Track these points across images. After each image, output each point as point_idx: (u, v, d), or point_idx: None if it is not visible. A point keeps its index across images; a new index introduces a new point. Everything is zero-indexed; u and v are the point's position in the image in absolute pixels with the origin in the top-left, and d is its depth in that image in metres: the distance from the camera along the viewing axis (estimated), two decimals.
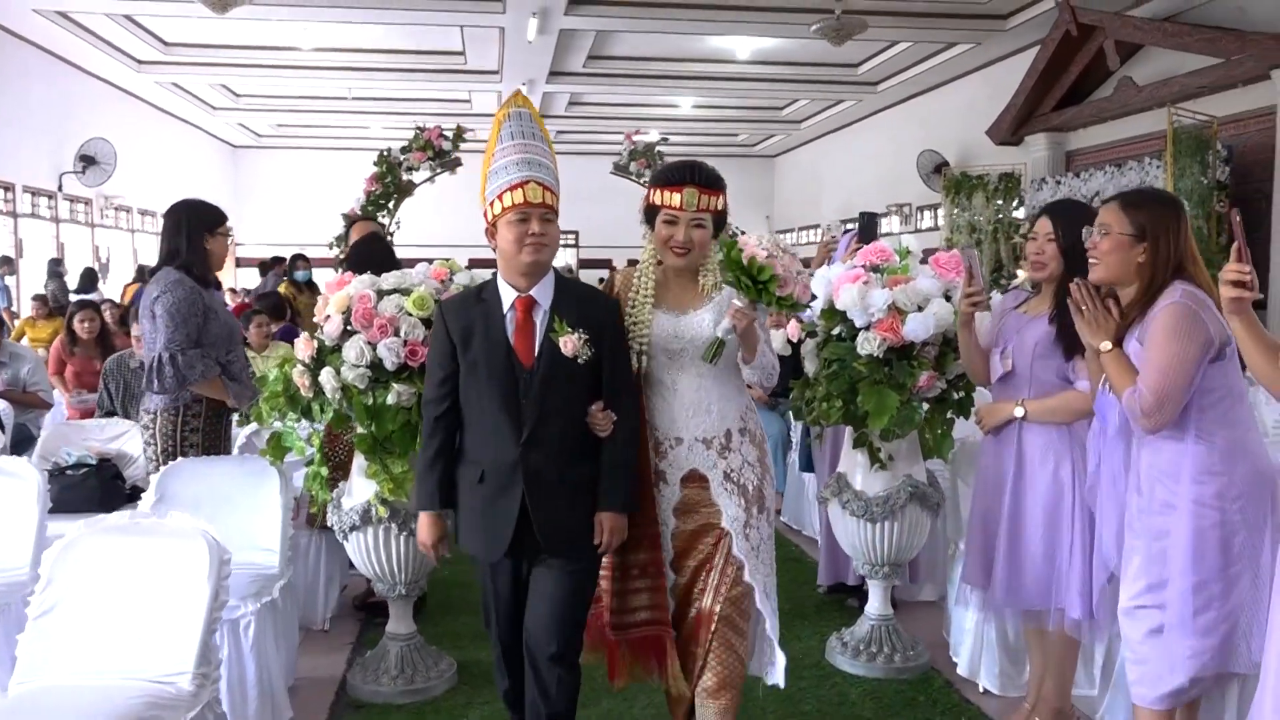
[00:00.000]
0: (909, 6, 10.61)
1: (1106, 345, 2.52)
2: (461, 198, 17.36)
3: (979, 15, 10.94)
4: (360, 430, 3.26)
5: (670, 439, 2.79)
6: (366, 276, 3.36)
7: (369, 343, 3.20)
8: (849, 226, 3.25)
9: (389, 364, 3.19)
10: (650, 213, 2.79)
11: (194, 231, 3.69)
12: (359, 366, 3.18)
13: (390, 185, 9.45)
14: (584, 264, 21.13)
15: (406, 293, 3.28)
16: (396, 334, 3.20)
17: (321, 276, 8.85)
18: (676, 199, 2.71)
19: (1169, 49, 9.11)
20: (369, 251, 4.35)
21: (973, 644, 3.66)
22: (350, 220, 9.15)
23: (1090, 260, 2.58)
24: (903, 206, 15.24)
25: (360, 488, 3.42)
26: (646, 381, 2.80)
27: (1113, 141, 10.27)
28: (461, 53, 13.21)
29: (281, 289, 9.20)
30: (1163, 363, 2.37)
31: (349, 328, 3.25)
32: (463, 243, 11.43)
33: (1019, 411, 3.00)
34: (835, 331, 3.53)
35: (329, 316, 3.28)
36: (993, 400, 3.14)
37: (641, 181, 10.11)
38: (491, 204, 2.63)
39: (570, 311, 2.63)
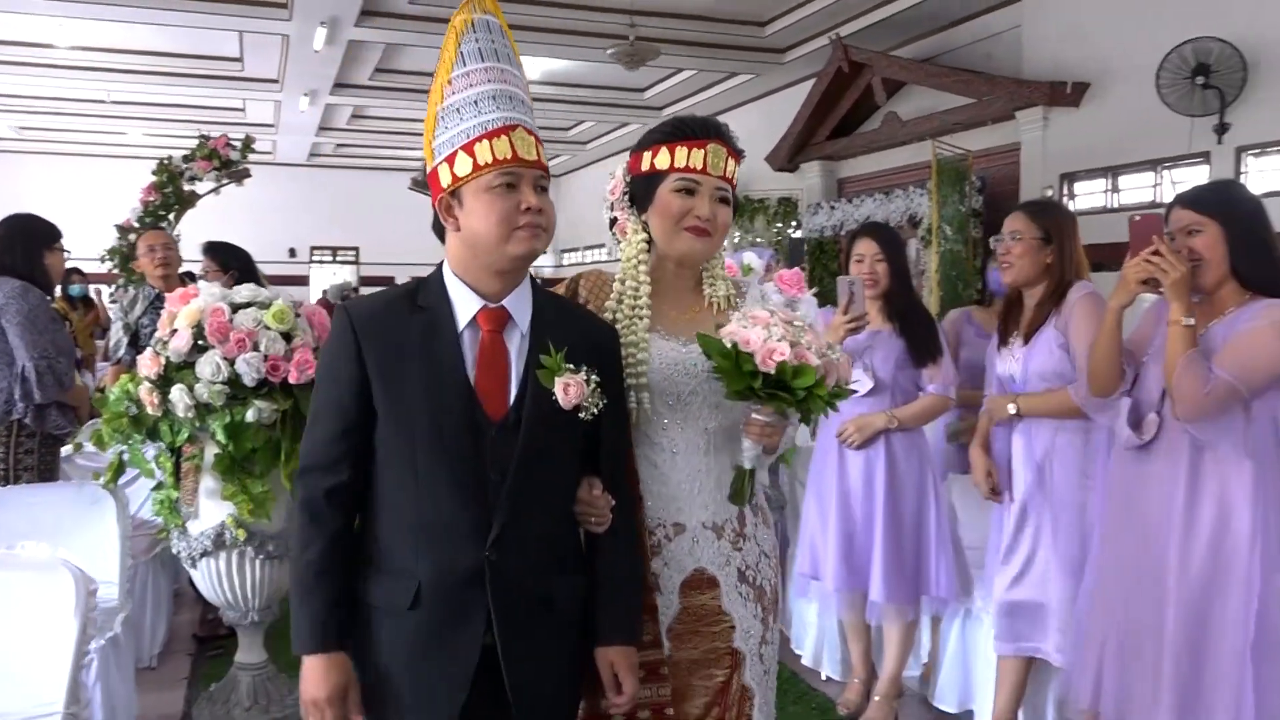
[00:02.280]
0: (696, 36, 11.11)
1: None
2: (254, 209, 16.59)
3: (760, 48, 11.61)
4: (215, 450, 3.11)
5: (666, 526, 1.92)
6: (217, 288, 3.22)
7: (225, 358, 3.06)
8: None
9: (248, 380, 3.07)
10: (645, 184, 1.95)
11: (31, 247, 3.44)
12: (215, 383, 3.05)
13: (171, 196, 8.88)
14: (365, 281, 20.54)
15: (265, 306, 3.17)
16: (256, 349, 3.09)
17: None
18: (699, 158, 1.91)
19: (930, 88, 10.03)
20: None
21: (815, 635, 3.92)
22: (126, 232, 8.54)
23: (1003, 264, 2.88)
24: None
25: (210, 511, 3.26)
26: (634, 444, 1.93)
27: (881, 170, 11.17)
28: (239, 59, 12.61)
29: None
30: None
31: (200, 342, 3.10)
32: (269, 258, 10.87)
33: (893, 423, 3.31)
34: None
35: (176, 331, 3.12)
36: (855, 413, 3.40)
37: None
38: (450, 160, 1.68)
39: (558, 337, 1.72)
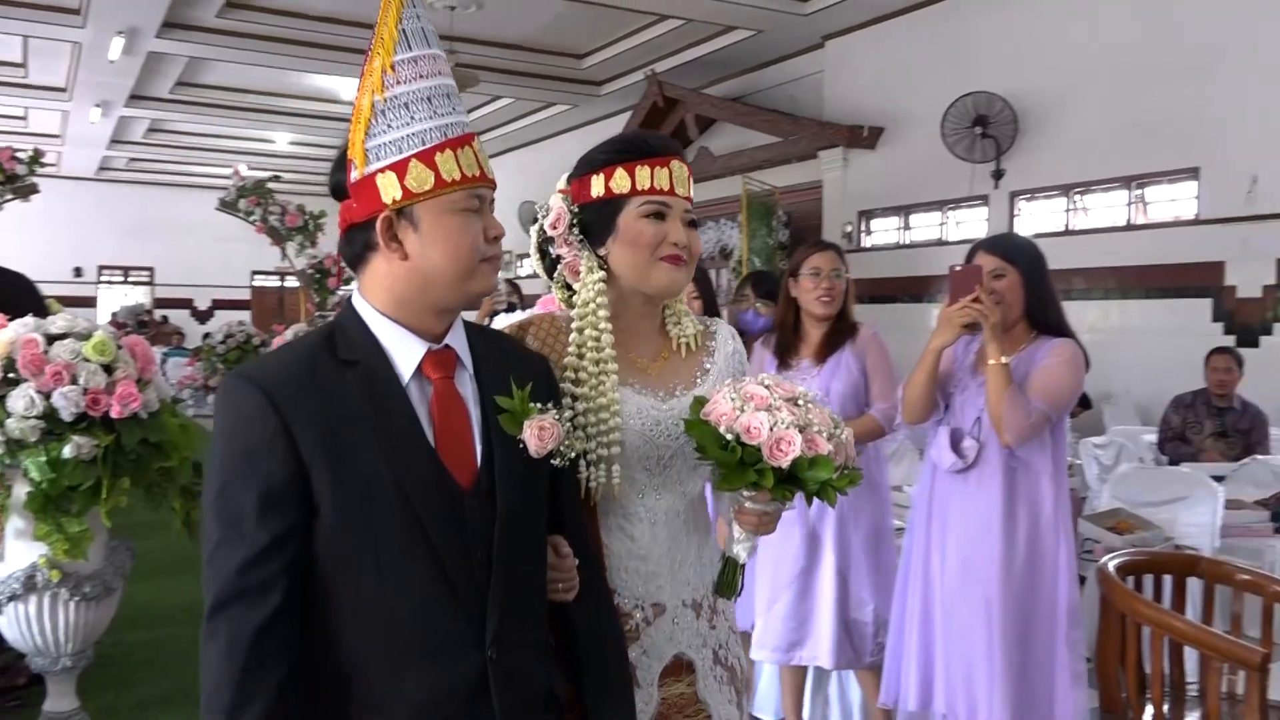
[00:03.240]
0: (516, 65, 11.24)
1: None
2: (35, 225, 15.36)
3: (577, 80, 11.85)
4: (28, 488, 2.95)
5: (645, 607, 1.64)
6: (30, 319, 3.06)
7: (40, 391, 2.92)
8: None
9: (65, 415, 2.93)
10: (601, 212, 1.63)
11: None
12: (29, 418, 2.90)
13: None
14: (161, 303, 19.42)
15: (84, 337, 3.04)
16: (74, 382, 2.96)
17: None
18: (664, 178, 1.64)
19: (740, 125, 10.54)
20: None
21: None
22: None
23: (824, 298, 3.06)
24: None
25: (19, 552, 3.07)
26: (603, 513, 1.64)
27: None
28: (22, 64, 11.78)
29: None
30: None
31: (10, 375, 2.95)
32: (52, 278, 10.15)
33: None
34: None
35: None
36: None
37: (253, 219, 9.68)
38: (399, 169, 1.30)
39: (505, 372, 1.40)
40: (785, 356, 3.28)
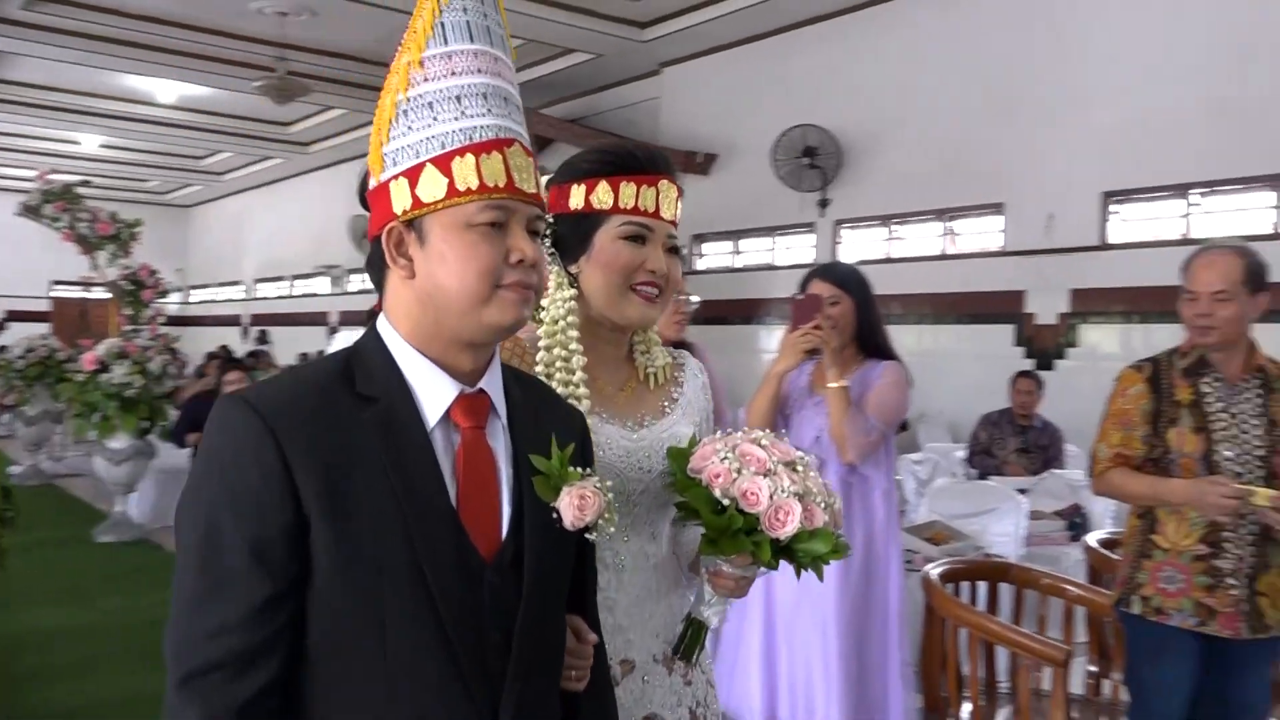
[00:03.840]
0: (348, 76, 10.98)
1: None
2: None
3: None
4: None
5: (614, 664, 1.46)
6: None
7: None
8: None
9: None
10: (576, 226, 1.50)
11: None
12: None
13: None
14: None
15: None
16: None
17: None
18: (650, 198, 1.48)
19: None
20: None
21: None
22: None
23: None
24: (332, 269, 15.43)
25: None
26: None
27: None
28: None
29: None
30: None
31: None
32: None
33: None
34: None
35: None
36: None
37: (59, 226, 9.03)
38: (412, 175, 1.12)
39: (542, 425, 1.22)
40: None
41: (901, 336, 3.02)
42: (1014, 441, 5.83)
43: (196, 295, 20.74)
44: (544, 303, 1.51)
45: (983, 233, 7.88)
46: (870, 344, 2.86)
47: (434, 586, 1.07)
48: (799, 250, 9.17)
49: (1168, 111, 6.44)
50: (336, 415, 1.08)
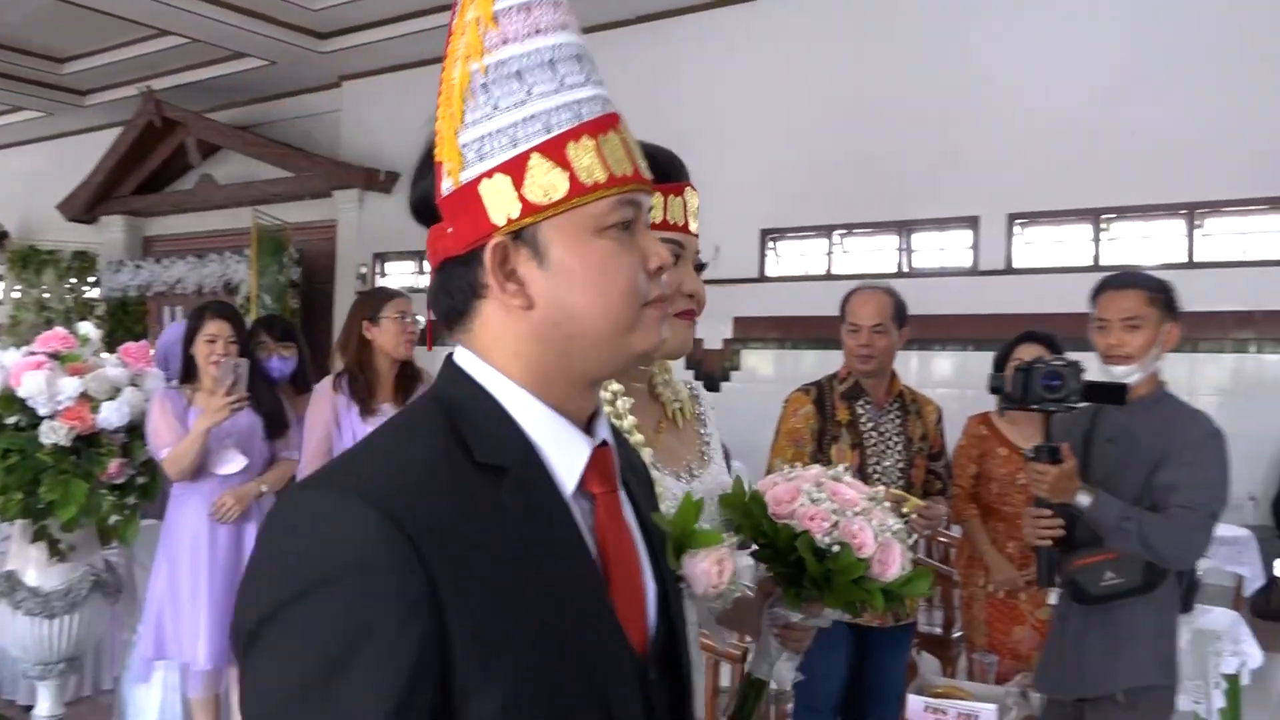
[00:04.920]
0: None
1: None
2: None
3: (55, 86, 10.55)
4: None
5: None
6: None
7: None
8: None
9: None
10: None
11: None
12: None
13: None
14: None
15: None
16: None
17: None
18: (679, 210, 1.29)
19: (249, 156, 10.09)
20: None
21: (159, 719, 3.75)
22: None
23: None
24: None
25: None
26: None
27: (194, 232, 10.85)
28: None
29: None
30: None
31: None
32: None
33: (266, 488, 3.41)
34: (13, 421, 3.34)
35: None
36: (225, 488, 3.39)
37: None
38: (515, 169, 0.84)
39: (633, 477, 1.00)
40: (367, 402, 3.28)
41: None
42: None
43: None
44: None
45: None
46: None
47: (613, 706, 0.82)
48: None
49: (815, 160, 7.20)
50: (468, 499, 0.79)
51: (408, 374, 3.37)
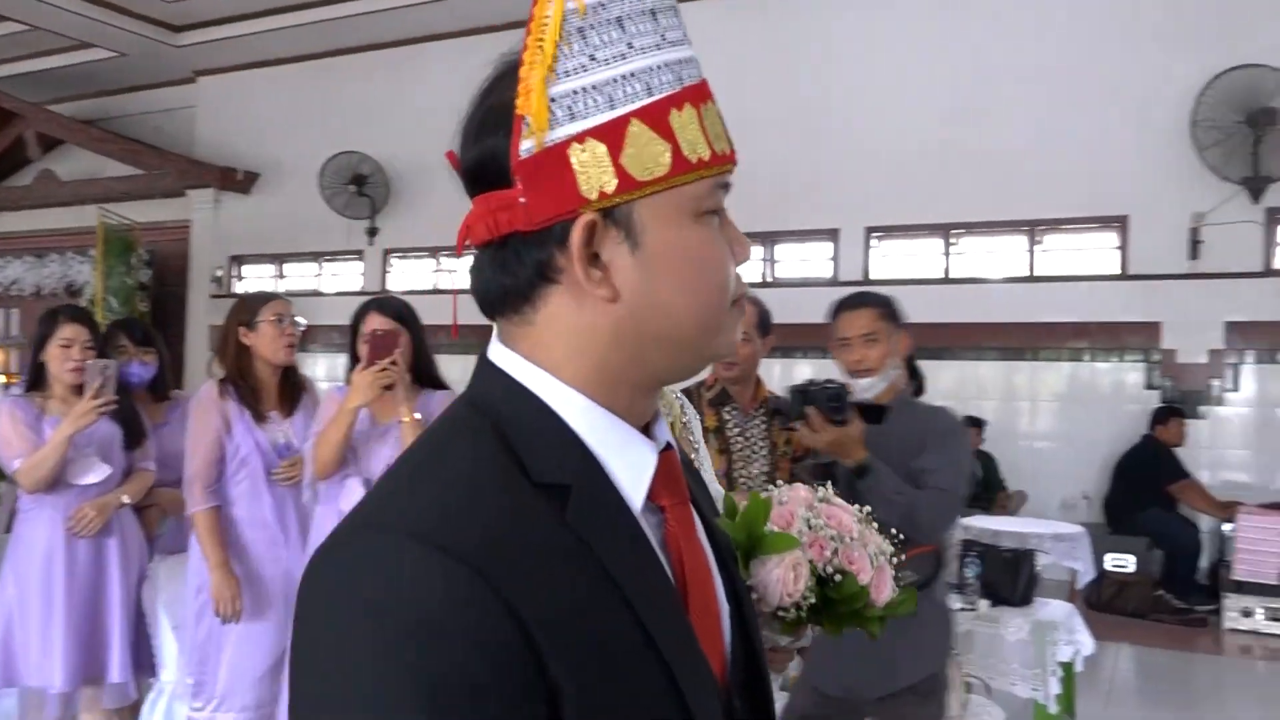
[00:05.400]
0: None
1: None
2: None
3: None
4: None
5: None
6: None
7: None
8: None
9: None
10: None
11: None
12: None
13: None
14: None
15: None
16: None
17: None
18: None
19: (95, 151, 9.59)
20: None
21: None
22: None
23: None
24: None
25: None
26: None
27: (33, 231, 10.23)
28: None
29: None
30: None
31: None
32: None
33: (127, 499, 3.25)
34: None
35: None
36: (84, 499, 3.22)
37: None
38: (611, 135, 0.70)
39: (694, 480, 0.89)
40: (258, 408, 3.17)
41: (449, 366, 3.22)
42: None
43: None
44: None
45: None
46: (426, 375, 2.99)
47: None
48: (347, 277, 9.05)
49: None
50: (542, 533, 0.68)
51: (291, 381, 3.27)
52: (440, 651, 0.60)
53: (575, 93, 0.69)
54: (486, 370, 0.77)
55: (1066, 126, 6.30)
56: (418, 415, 2.81)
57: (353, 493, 2.85)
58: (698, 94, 0.73)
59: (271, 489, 3.15)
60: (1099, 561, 5.67)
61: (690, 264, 0.73)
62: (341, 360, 3.08)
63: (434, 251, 8.64)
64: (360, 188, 8.46)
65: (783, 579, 0.92)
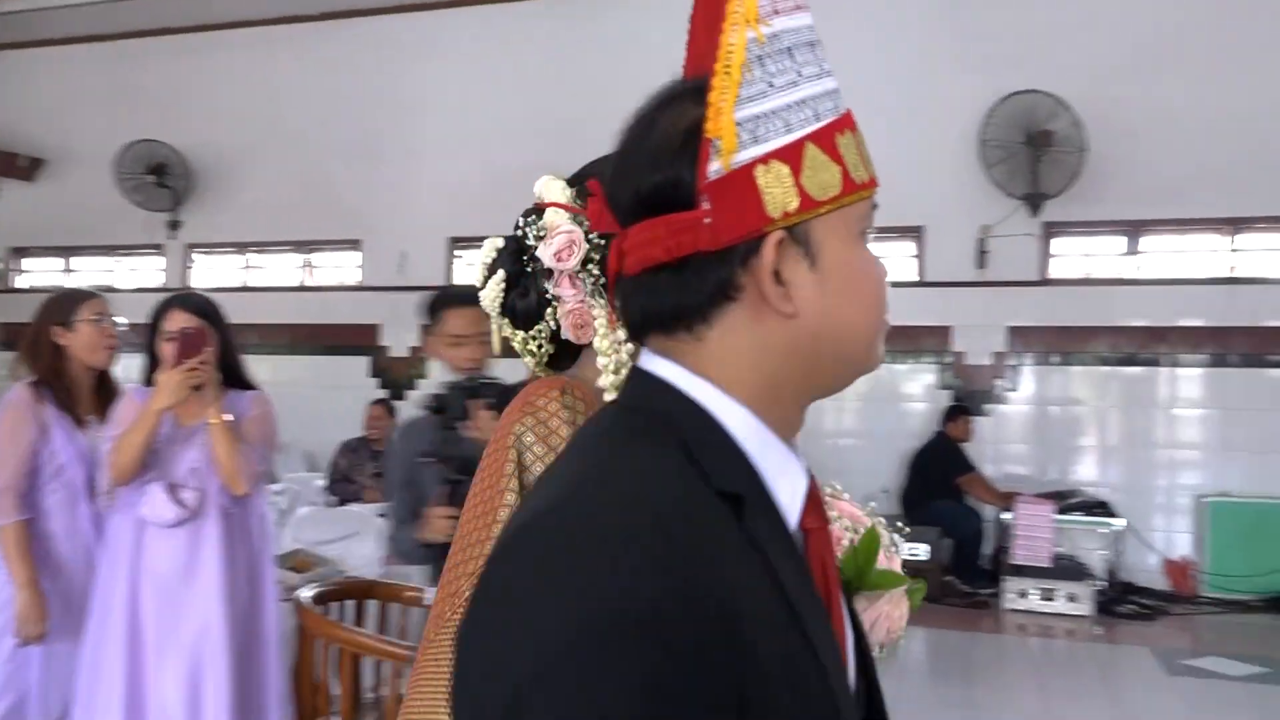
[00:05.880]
0: None
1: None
2: None
3: None
4: None
5: None
6: None
7: None
8: None
9: None
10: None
11: None
12: None
13: None
14: None
15: None
16: None
17: None
18: None
19: None
20: None
21: None
22: None
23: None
24: None
25: None
26: None
27: None
28: None
29: None
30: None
31: None
32: None
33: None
34: None
35: None
36: None
37: None
38: (790, 156, 0.74)
39: None
40: (76, 413, 2.95)
41: (258, 367, 3.14)
42: (370, 466, 6.13)
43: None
44: (602, 346, 1.13)
45: (340, 267, 8.14)
46: (234, 374, 2.90)
47: None
48: (145, 273, 8.56)
49: (500, 171, 7.31)
50: (735, 540, 0.69)
51: (106, 385, 3.07)
52: (658, 649, 0.60)
53: (758, 117, 0.73)
54: (646, 382, 0.77)
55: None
56: (228, 416, 2.71)
57: (154, 498, 2.71)
58: (850, 121, 0.78)
59: (89, 500, 2.98)
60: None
61: (860, 279, 0.77)
62: (137, 360, 2.92)
63: (242, 247, 8.28)
64: (160, 178, 8.01)
65: (889, 615, 0.91)
